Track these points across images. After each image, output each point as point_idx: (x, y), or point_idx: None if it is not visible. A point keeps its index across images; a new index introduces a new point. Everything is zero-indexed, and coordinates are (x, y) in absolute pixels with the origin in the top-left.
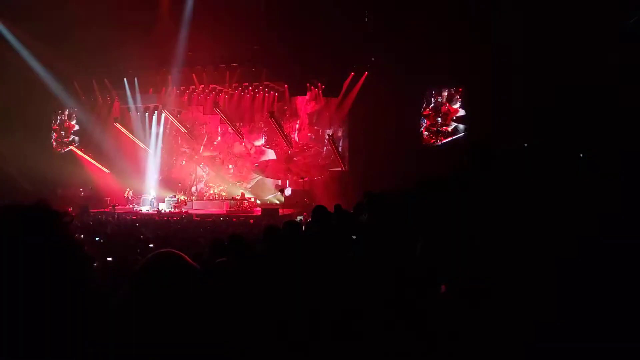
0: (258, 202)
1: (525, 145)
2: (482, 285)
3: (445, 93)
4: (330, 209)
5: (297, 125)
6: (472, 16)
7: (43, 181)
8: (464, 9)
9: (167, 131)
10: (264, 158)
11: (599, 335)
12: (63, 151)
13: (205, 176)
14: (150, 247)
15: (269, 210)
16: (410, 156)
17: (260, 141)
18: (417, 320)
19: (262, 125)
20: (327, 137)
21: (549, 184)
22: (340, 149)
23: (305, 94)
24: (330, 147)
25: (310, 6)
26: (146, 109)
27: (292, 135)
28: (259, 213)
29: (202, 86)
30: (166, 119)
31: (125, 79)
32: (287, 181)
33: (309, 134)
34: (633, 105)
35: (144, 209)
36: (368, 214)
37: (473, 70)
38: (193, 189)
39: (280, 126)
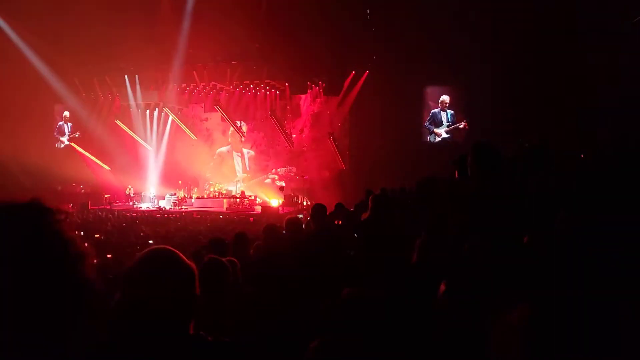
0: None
1: (526, 145)
2: (482, 284)
3: (446, 92)
4: (330, 207)
5: (300, 126)
6: (473, 15)
7: (43, 178)
8: (464, 8)
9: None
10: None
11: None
12: (62, 146)
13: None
14: (150, 243)
15: (269, 208)
16: (411, 155)
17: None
18: (416, 319)
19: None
20: (328, 135)
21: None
22: (340, 148)
23: (306, 93)
24: (330, 146)
25: (311, 4)
26: (147, 106)
27: (294, 135)
28: (259, 211)
29: (203, 84)
30: (167, 116)
31: (126, 76)
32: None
33: (310, 133)
34: (633, 104)
35: (144, 206)
36: (369, 212)
37: (473, 69)
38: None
39: (281, 125)
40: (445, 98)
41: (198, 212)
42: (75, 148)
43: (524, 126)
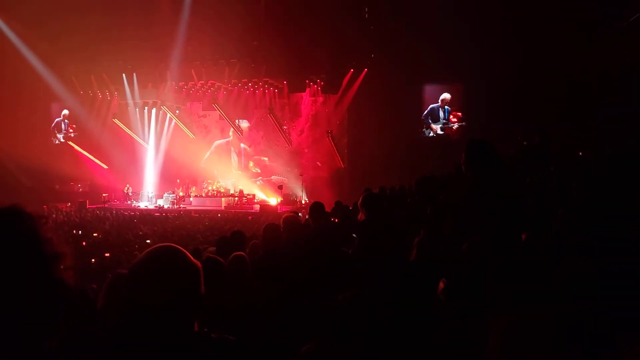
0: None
1: (525, 143)
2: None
3: (444, 90)
4: (329, 206)
5: (300, 127)
6: (472, 14)
7: (41, 177)
8: (462, 5)
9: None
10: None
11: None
12: (57, 142)
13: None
14: (147, 242)
15: (268, 207)
16: (409, 153)
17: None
18: (416, 318)
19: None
20: (326, 134)
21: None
22: (339, 146)
23: (304, 91)
24: (329, 144)
25: (309, 3)
26: (145, 104)
27: (293, 133)
28: (258, 210)
29: (201, 82)
30: (165, 114)
31: (123, 75)
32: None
33: (309, 132)
34: (632, 104)
35: (142, 205)
36: (366, 211)
37: (472, 67)
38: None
39: (279, 123)
40: (447, 96)
41: (196, 211)
42: (73, 147)
43: (523, 124)
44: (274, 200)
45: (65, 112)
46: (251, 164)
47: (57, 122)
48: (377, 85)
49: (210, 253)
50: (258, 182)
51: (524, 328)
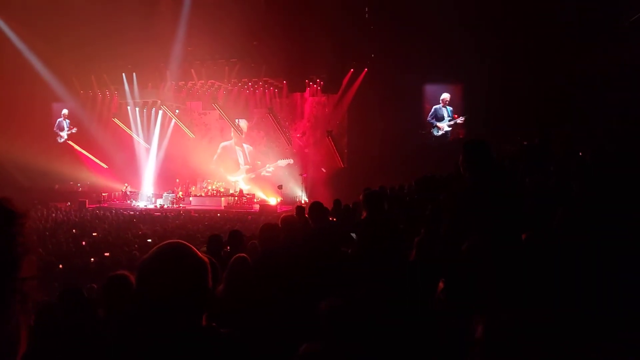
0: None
1: (525, 143)
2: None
3: (444, 89)
4: (328, 206)
5: (302, 129)
6: (471, 13)
7: (41, 176)
8: (462, 5)
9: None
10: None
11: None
12: (61, 140)
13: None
14: (149, 242)
15: (267, 206)
16: (409, 152)
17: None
18: (415, 318)
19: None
20: (326, 134)
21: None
22: (339, 146)
23: (304, 90)
24: (329, 144)
25: (309, 2)
26: (145, 104)
27: (298, 135)
28: (257, 209)
29: (201, 82)
30: (164, 114)
31: (123, 74)
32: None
33: (309, 132)
34: (632, 104)
35: (142, 204)
36: (367, 210)
37: (472, 68)
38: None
39: (279, 122)
40: (446, 96)
41: (196, 211)
42: (72, 146)
43: (524, 125)
44: (273, 199)
45: (65, 111)
46: (259, 162)
47: (59, 121)
48: (377, 85)
49: (202, 252)
50: (268, 172)
51: (523, 327)
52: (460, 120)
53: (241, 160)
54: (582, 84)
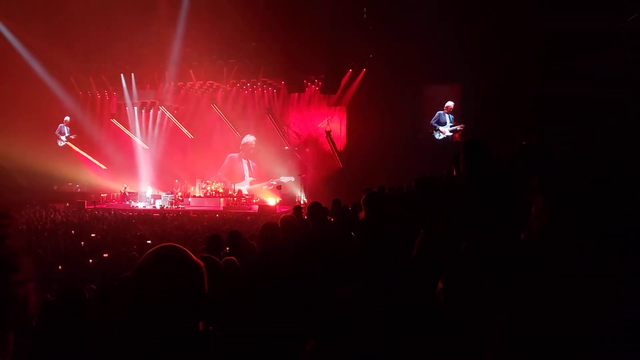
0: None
1: (524, 143)
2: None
3: (443, 90)
4: (327, 206)
5: (298, 126)
6: (471, 14)
7: (39, 177)
8: (462, 7)
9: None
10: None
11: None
12: (62, 144)
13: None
14: (148, 243)
15: (266, 207)
16: (408, 153)
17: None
18: (416, 317)
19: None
20: (325, 134)
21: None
22: (337, 147)
23: (303, 91)
24: (327, 145)
25: (308, 3)
26: (143, 105)
27: (292, 134)
28: (256, 210)
29: (200, 82)
30: (163, 115)
31: (122, 75)
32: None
33: (307, 133)
34: (632, 104)
35: (141, 205)
36: (367, 210)
37: (470, 68)
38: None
39: (278, 123)
40: (450, 104)
41: (195, 211)
42: (71, 147)
43: (522, 125)
44: (272, 200)
45: (67, 118)
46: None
47: (60, 127)
48: (375, 85)
49: (203, 252)
50: (266, 186)
51: (523, 328)
52: (459, 127)
53: (246, 172)
54: (582, 84)
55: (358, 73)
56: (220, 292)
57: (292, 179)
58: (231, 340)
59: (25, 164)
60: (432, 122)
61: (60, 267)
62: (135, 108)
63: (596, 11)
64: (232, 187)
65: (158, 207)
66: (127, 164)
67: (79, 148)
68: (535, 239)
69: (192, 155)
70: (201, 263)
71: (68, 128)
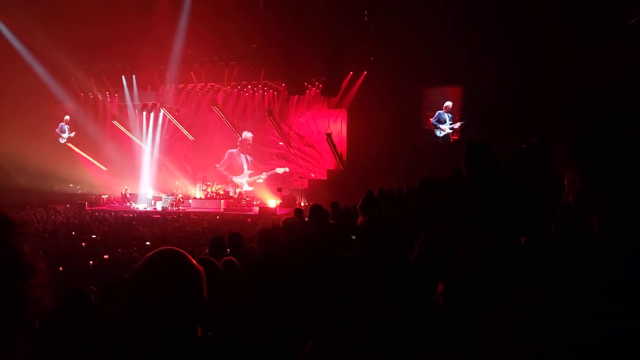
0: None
1: (524, 145)
2: (478, 284)
3: (443, 92)
4: (327, 208)
5: (299, 128)
6: (471, 16)
7: (40, 178)
8: (461, 8)
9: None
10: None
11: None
12: (62, 141)
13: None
14: (148, 244)
15: (267, 209)
16: (408, 155)
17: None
18: (415, 318)
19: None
20: (325, 136)
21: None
22: (338, 149)
23: (303, 93)
24: (328, 147)
25: (309, 5)
26: (144, 106)
27: (292, 136)
28: (257, 212)
29: (201, 84)
30: (164, 116)
31: (123, 77)
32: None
33: (308, 135)
34: (632, 105)
35: (141, 206)
36: (365, 214)
37: (471, 69)
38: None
39: (279, 125)
40: (449, 104)
41: (195, 213)
42: (72, 148)
43: (522, 126)
44: (273, 202)
45: (67, 117)
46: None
47: (61, 125)
48: (376, 87)
49: (204, 255)
50: (261, 179)
51: (522, 329)
52: (457, 125)
53: (245, 166)
54: (582, 84)
55: (359, 75)
56: (220, 294)
57: (287, 169)
58: (230, 346)
59: (26, 165)
60: (433, 120)
61: (60, 269)
62: (137, 109)
63: (596, 11)
64: (231, 179)
65: (159, 209)
66: (127, 166)
67: (80, 149)
68: (574, 211)
69: (193, 157)
70: (200, 268)
71: (68, 127)
